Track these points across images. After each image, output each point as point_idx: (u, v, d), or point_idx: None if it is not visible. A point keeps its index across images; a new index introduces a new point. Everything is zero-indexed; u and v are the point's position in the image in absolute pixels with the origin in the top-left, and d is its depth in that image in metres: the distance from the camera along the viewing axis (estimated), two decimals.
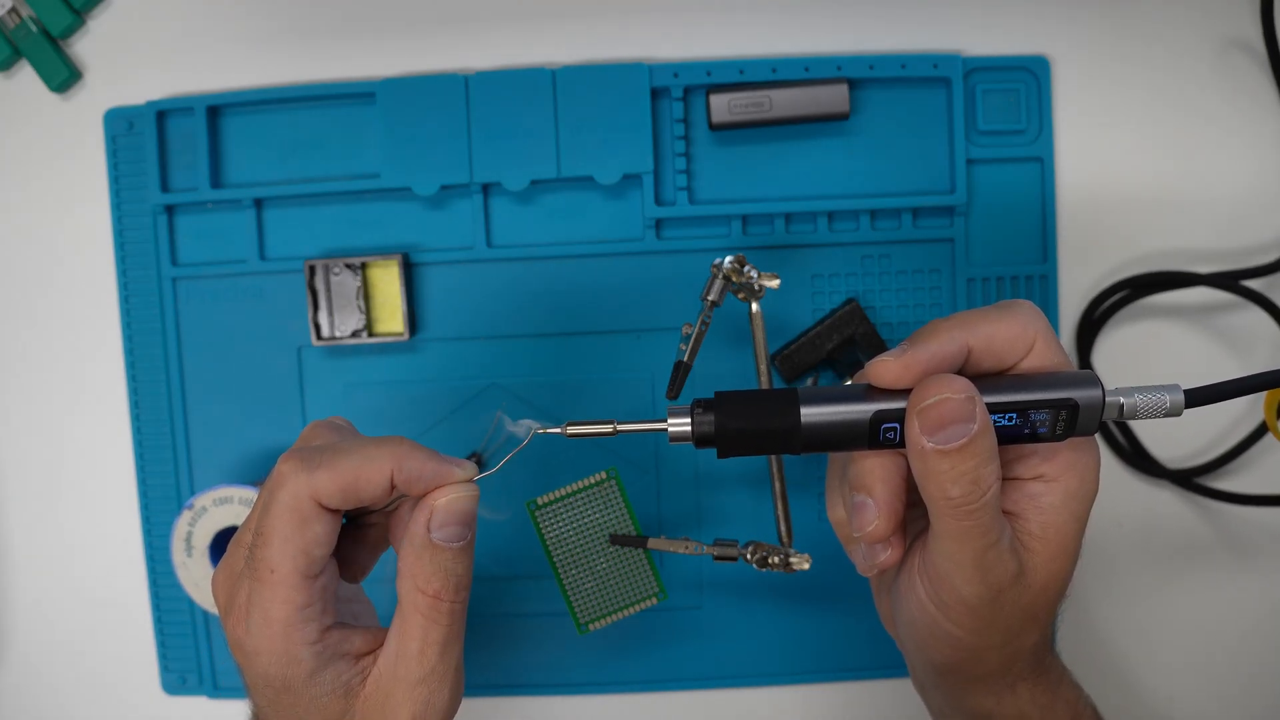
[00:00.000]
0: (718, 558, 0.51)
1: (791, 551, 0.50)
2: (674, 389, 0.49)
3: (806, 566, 0.50)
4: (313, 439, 0.41)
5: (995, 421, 0.37)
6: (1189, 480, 0.59)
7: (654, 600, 0.53)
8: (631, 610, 0.53)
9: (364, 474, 0.38)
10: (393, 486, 0.38)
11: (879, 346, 0.56)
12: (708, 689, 0.60)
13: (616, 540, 0.52)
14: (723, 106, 0.56)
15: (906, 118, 0.57)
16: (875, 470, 0.39)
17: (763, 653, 0.59)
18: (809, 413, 0.37)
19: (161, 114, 0.58)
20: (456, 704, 0.40)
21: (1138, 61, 0.58)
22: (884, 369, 0.37)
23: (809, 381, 0.53)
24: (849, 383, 0.39)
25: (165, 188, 0.58)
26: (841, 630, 0.59)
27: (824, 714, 0.60)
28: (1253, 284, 0.57)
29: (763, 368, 0.51)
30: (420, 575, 0.38)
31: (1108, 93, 0.58)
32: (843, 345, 0.57)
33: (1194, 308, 0.59)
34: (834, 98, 0.56)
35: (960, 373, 0.38)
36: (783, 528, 0.51)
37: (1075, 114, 0.58)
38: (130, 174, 0.58)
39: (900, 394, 0.37)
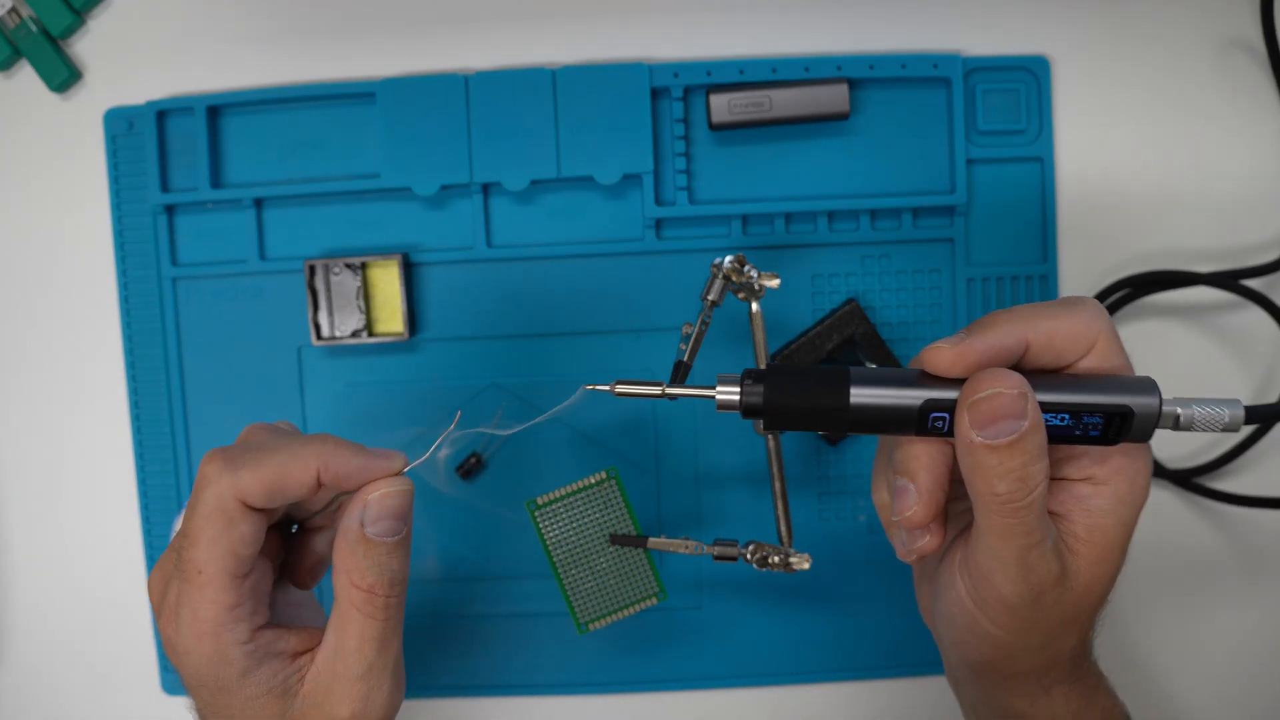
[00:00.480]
0: (718, 558, 0.50)
1: (791, 551, 0.50)
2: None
3: (806, 566, 0.50)
4: (246, 440, 0.40)
5: (1047, 420, 0.36)
6: (1188, 480, 0.59)
7: (654, 600, 0.53)
8: (631, 610, 0.53)
9: (289, 472, 0.38)
10: (320, 484, 0.38)
11: (879, 346, 0.57)
12: (707, 689, 0.60)
13: (616, 540, 0.51)
14: (723, 106, 0.56)
15: (906, 118, 0.57)
16: (920, 456, 0.39)
17: (762, 653, 0.59)
18: (859, 394, 0.37)
19: (161, 114, 0.58)
20: (397, 703, 0.40)
21: (1138, 61, 0.58)
22: (938, 356, 0.37)
23: None
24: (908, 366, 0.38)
25: (165, 188, 0.58)
26: (841, 630, 0.59)
27: (824, 714, 0.60)
28: (1252, 283, 0.57)
29: (763, 368, 0.51)
30: (355, 570, 0.38)
31: (1108, 93, 0.58)
32: (843, 345, 0.57)
33: (1194, 307, 0.59)
34: (834, 98, 0.56)
35: (1016, 367, 0.37)
36: (783, 528, 0.51)
37: (1075, 114, 0.58)
38: (130, 174, 0.58)
39: (952, 383, 0.37)
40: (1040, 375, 0.37)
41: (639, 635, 0.59)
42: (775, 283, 0.50)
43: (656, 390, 0.40)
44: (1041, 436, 0.36)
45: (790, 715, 0.60)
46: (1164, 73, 0.58)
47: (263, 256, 0.58)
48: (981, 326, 0.37)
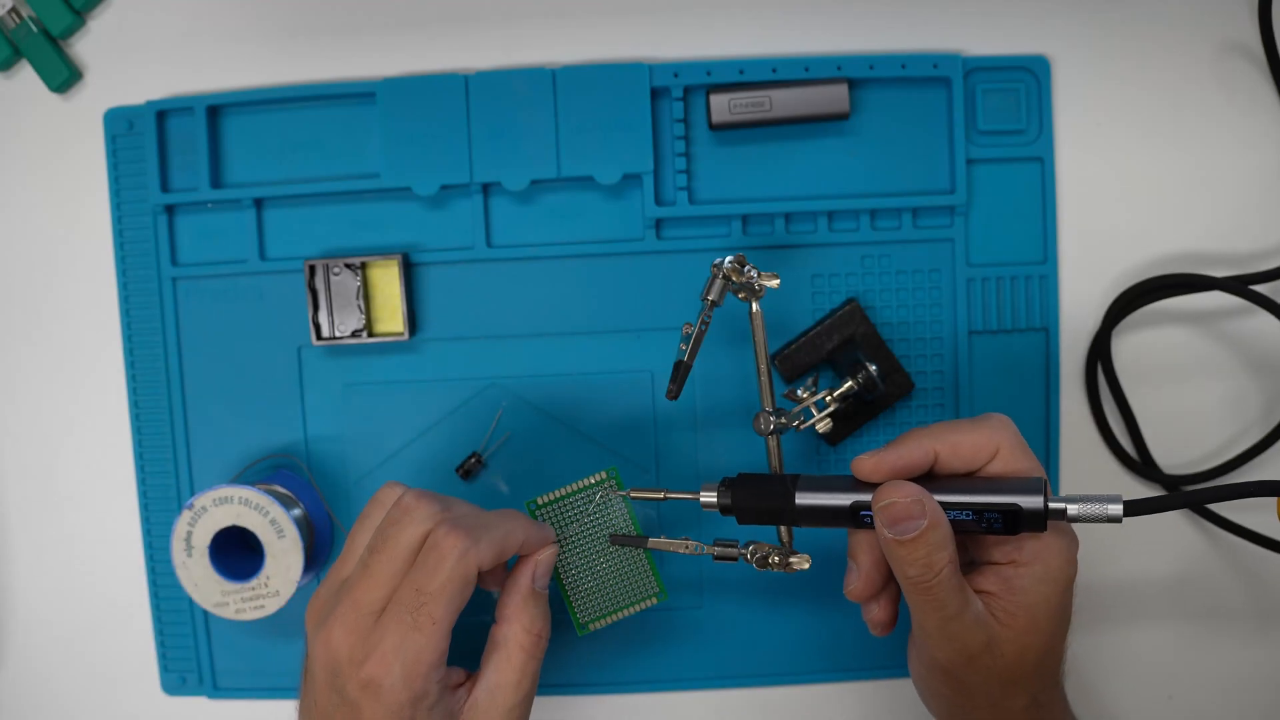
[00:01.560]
0: (718, 558, 0.50)
1: (791, 551, 0.50)
2: (674, 389, 0.49)
3: (806, 566, 0.50)
4: (437, 505, 0.46)
5: (954, 516, 0.44)
6: (1176, 486, 0.59)
7: (654, 600, 0.53)
8: (631, 610, 0.53)
9: (508, 545, 0.47)
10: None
11: (879, 347, 0.57)
12: (708, 689, 0.60)
13: (616, 540, 0.52)
14: (723, 106, 0.56)
15: (906, 118, 0.57)
16: (863, 543, 0.48)
17: (763, 653, 0.59)
18: (802, 497, 0.47)
19: (161, 114, 0.57)
20: None
21: (1138, 62, 0.58)
22: (861, 465, 0.46)
23: (809, 381, 0.53)
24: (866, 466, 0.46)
25: (165, 188, 0.58)
26: (841, 630, 0.59)
27: (824, 713, 0.60)
28: (1258, 288, 0.56)
29: (763, 367, 0.51)
30: (526, 618, 0.47)
31: (1108, 93, 0.58)
32: (843, 345, 0.56)
33: (1198, 312, 0.58)
34: (834, 98, 0.56)
35: (930, 472, 0.45)
36: (783, 529, 0.51)
37: (1075, 114, 0.58)
38: (130, 174, 0.58)
39: (877, 487, 0.45)
40: (950, 479, 0.45)
41: (639, 635, 0.59)
42: (775, 283, 0.50)
43: (659, 495, 0.50)
44: (941, 532, 0.43)
45: (790, 715, 0.60)
46: (1164, 73, 0.58)
47: (263, 256, 0.58)
48: (897, 441, 0.45)
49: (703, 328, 0.49)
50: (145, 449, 0.59)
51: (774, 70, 0.56)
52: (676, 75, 0.56)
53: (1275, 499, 0.44)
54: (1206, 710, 0.60)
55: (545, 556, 0.49)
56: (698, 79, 0.56)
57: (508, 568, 0.50)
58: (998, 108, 0.57)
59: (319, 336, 0.57)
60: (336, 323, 0.57)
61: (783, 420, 0.51)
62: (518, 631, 0.47)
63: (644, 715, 0.60)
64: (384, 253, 0.57)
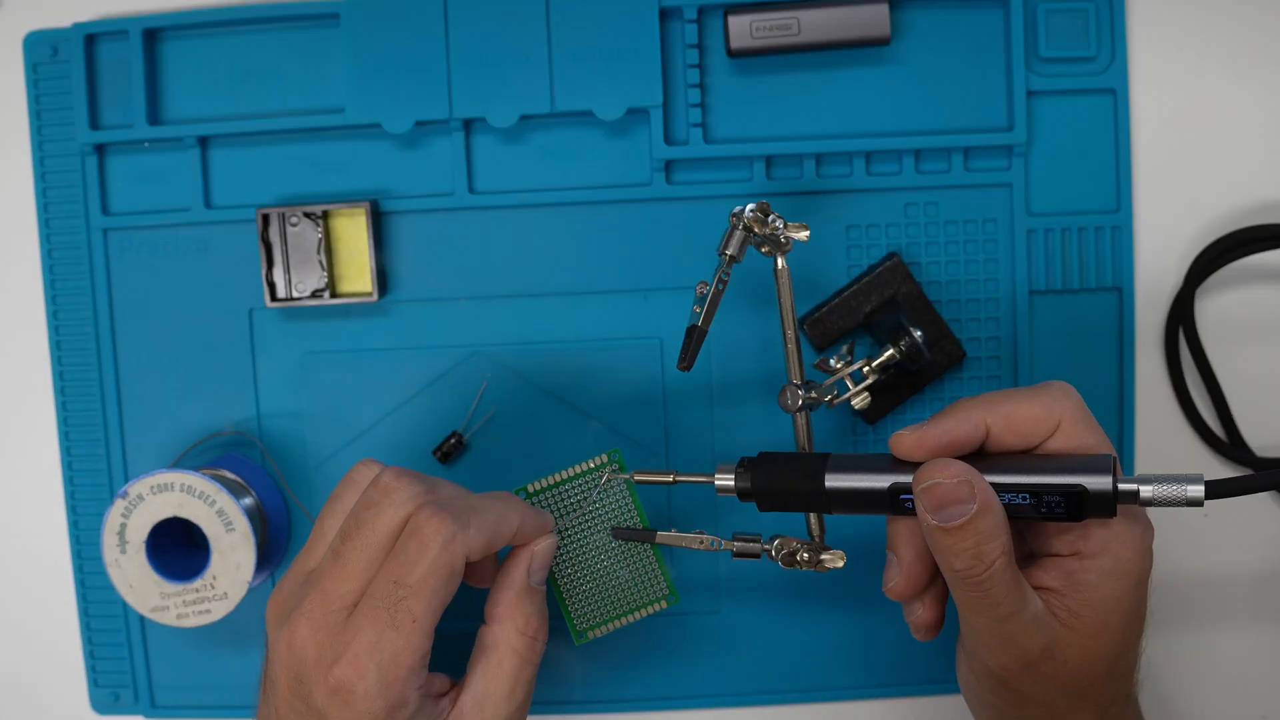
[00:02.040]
0: (737, 554, 0.49)
1: (823, 547, 0.48)
2: (686, 358, 0.48)
3: (840, 565, 0.48)
4: (420, 485, 0.44)
5: (1009, 500, 0.42)
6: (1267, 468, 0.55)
7: (663, 604, 0.51)
8: (637, 616, 0.51)
9: (501, 532, 0.44)
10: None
11: (924, 309, 0.54)
12: (725, 707, 0.58)
13: (619, 534, 0.50)
14: (743, 29, 0.53)
15: (957, 43, 0.55)
16: (903, 533, 0.45)
17: (788, 665, 0.57)
18: (833, 479, 0.44)
19: (90, 38, 0.55)
20: None
21: None
22: (900, 441, 0.43)
23: (843, 349, 0.51)
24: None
25: (95, 124, 0.56)
26: (880, 639, 0.57)
27: None
28: None
29: (789, 334, 0.49)
30: (520, 618, 0.45)
31: (1191, 14, 0.55)
32: (882, 307, 0.54)
33: None
34: (873, 19, 0.53)
35: (981, 450, 0.43)
36: (813, 519, 0.49)
37: (1154, 39, 0.55)
38: (54, 108, 0.56)
39: (918, 467, 0.43)
40: (1004, 457, 0.43)
41: (645, 645, 0.57)
42: (804, 235, 0.48)
43: (668, 479, 0.47)
44: (993, 518, 0.41)
45: None
46: None
47: (208, 204, 0.56)
48: (942, 414, 0.43)
49: (720, 287, 0.48)
50: (72, 428, 0.57)
51: None
52: None
53: None
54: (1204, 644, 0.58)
55: (542, 547, 0.46)
56: None
57: (499, 560, 0.48)
58: (1063, 30, 0.55)
59: (274, 297, 0.55)
60: (294, 281, 0.55)
61: (812, 395, 0.49)
62: (510, 633, 0.45)
63: None
64: (349, 200, 0.55)
